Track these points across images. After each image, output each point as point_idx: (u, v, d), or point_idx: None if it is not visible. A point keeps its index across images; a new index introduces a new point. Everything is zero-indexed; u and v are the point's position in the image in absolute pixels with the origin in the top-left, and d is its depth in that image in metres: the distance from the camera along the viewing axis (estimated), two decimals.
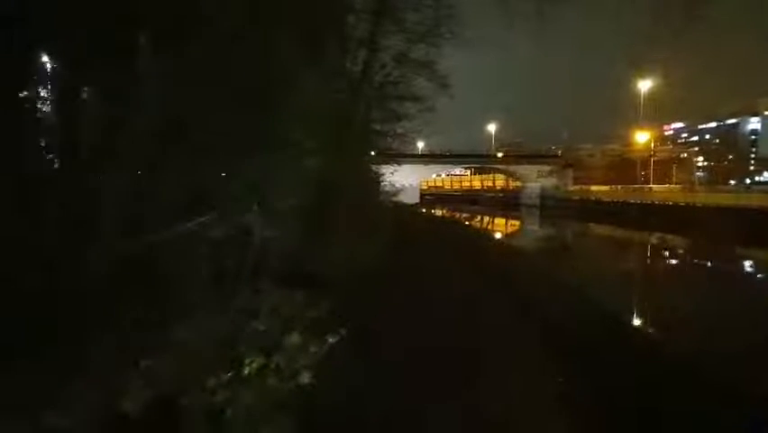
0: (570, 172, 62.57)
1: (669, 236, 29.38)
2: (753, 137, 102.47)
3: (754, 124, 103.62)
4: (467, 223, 38.51)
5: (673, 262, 23.75)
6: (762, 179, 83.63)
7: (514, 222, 47.98)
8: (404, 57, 16.52)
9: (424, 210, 44.62)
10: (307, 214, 7.61)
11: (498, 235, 34.02)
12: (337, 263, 8.40)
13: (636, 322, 10.64)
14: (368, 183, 15.22)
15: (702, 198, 34.04)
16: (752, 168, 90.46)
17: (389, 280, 8.82)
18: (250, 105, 5.13)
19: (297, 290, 5.82)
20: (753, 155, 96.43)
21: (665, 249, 27.01)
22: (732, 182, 75.04)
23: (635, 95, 56.67)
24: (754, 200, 28.72)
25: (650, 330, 9.96)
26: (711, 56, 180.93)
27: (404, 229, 19.28)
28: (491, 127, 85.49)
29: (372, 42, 12.54)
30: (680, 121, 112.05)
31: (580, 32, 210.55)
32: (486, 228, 38.65)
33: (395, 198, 32.79)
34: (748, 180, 78.60)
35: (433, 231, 22.29)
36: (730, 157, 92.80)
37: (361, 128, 12.88)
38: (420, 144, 63.62)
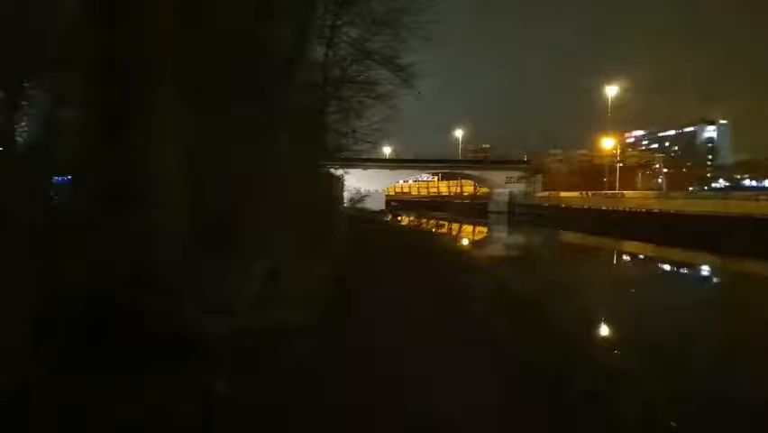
0: (539, 178, 61.43)
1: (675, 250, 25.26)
2: (709, 145, 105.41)
3: (710, 132, 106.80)
4: (434, 231, 36.10)
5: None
6: (717, 185, 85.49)
7: (482, 229, 46.07)
8: (362, 46, 14.57)
9: (389, 218, 42.01)
10: (193, 210, 4.85)
11: (465, 242, 31.80)
12: (248, 299, 5.62)
13: None
14: (316, 182, 12.54)
15: (678, 204, 32.53)
16: (708, 174, 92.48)
17: (331, 338, 6.04)
18: None
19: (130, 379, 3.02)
20: (709, 162, 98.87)
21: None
22: (690, 188, 76.02)
23: (602, 101, 56.51)
24: (733, 208, 27.21)
25: None
26: (678, 65, 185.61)
27: (363, 242, 16.68)
28: (458, 132, 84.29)
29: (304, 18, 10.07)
30: (641, 129, 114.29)
31: (550, 38, 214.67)
32: (455, 238, 36.35)
33: (359, 205, 30.23)
34: (706, 187, 79.90)
35: (397, 243, 19.69)
36: (688, 164, 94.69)
37: (312, 119, 10.25)
38: (387, 150, 61.29)
